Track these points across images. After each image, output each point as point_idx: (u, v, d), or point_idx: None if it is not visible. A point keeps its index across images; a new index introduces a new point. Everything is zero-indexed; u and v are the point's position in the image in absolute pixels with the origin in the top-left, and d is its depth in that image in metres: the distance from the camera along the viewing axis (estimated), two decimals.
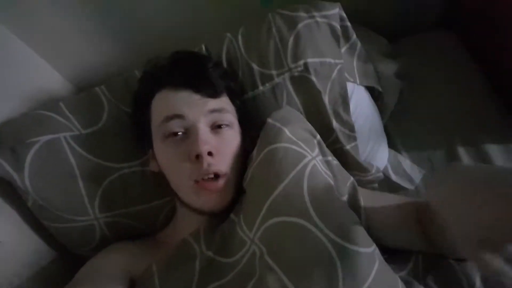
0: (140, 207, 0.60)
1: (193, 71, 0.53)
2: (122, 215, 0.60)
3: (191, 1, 0.77)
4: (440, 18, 0.88)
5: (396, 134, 0.74)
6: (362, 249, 0.41)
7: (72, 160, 0.57)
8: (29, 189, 0.54)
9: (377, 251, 0.43)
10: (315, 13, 0.62)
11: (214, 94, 0.53)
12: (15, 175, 0.54)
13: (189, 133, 0.51)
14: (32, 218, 0.58)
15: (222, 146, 0.51)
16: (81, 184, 0.57)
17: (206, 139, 0.49)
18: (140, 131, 0.58)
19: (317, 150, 0.52)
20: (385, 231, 0.51)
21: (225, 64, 0.63)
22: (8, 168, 0.53)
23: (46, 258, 0.60)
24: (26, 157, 0.54)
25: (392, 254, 0.53)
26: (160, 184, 0.58)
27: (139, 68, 0.65)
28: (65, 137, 0.57)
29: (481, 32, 0.79)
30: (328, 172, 0.51)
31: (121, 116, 0.62)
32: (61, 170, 0.56)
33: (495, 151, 0.65)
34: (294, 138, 0.51)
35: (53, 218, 0.57)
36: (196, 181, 0.50)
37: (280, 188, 0.45)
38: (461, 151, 0.67)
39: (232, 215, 0.52)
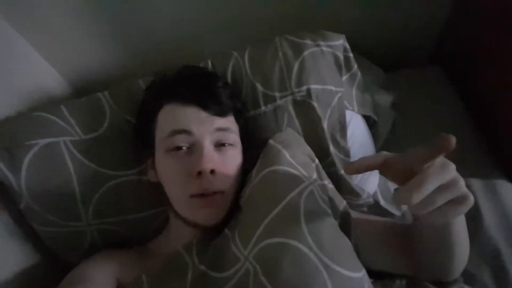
0: (134, 215, 0.60)
1: (203, 88, 0.54)
2: (115, 223, 0.59)
3: (198, 14, 0.79)
4: (434, 55, 0.94)
5: None
6: (352, 274, 0.43)
7: (70, 165, 0.56)
8: (23, 191, 0.54)
9: (366, 276, 0.45)
10: (321, 42, 0.65)
11: (222, 113, 0.54)
12: (11, 177, 0.53)
13: (194, 148, 0.52)
14: (22, 220, 0.57)
15: (224, 165, 0.52)
16: (77, 189, 0.56)
17: (210, 157, 0.50)
18: (142, 140, 0.58)
19: (315, 175, 0.54)
20: (371, 249, 0.53)
21: (229, 81, 0.64)
22: (4, 169, 0.53)
23: (32, 261, 0.59)
24: (23, 159, 0.54)
25: (378, 278, 0.55)
26: (155, 194, 0.59)
27: (143, 77, 0.66)
28: (64, 142, 0.57)
29: (467, 72, 0.85)
30: (324, 196, 0.53)
31: (121, 124, 0.62)
32: (58, 175, 0.56)
33: (476, 186, 0.69)
34: (293, 162, 0.53)
35: (44, 221, 0.56)
36: (192, 196, 0.51)
37: (277, 209, 0.47)
38: None
39: (226, 230, 0.53)
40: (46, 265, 0.60)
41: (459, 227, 0.43)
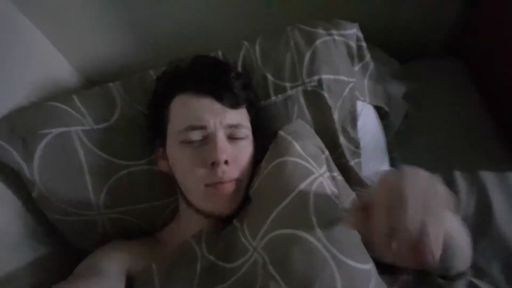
0: (144, 205, 0.61)
1: (217, 79, 0.54)
2: (126, 212, 0.60)
3: (209, 4, 0.78)
4: (450, 46, 0.92)
5: (397, 153, 0.76)
6: (361, 266, 0.43)
7: (81, 154, 0.57)
8: (36, 180, 0.54)
9: (374, 268, 0.45)
10: (334, 31, 0.63)
11: (235, 105, 0.54)
12: (24, 165, 0.54)
13: (207, 140, 0.52)
14: (35, 208, 0.58)
15: (237, 155, 0.52)
16: (88, 179, 0.57)
17: (224, 148, 0.51)
18: (154, 130, 0.58)
19: (324, 167, 0.54)
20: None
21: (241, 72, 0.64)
22: (17, 157, 0.53)
23: (45, 250, 0.60)
24: (36, 148, 0.54)
25: (384, 271, 0.55)
26: (166, 183, 0.59)
27: (154, 67, 0.66)
28: (76, 131, 0.57)
29: (485, 62, 0.83)
30: (333, 188, 0.52)
31: (132, 114, 0.62)
32: (70, 164, 0.56)
33: (490, 179, 0.68)
34: (303, 154, 0.52)
35: (57, 210, 0.57)
36: (207, 185, 0.51)
37: (287, 201, 0.47)
38: (458, 176, 0.69)
39: (235, 221, 0.53)
40: (60, 253, 0.62)
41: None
